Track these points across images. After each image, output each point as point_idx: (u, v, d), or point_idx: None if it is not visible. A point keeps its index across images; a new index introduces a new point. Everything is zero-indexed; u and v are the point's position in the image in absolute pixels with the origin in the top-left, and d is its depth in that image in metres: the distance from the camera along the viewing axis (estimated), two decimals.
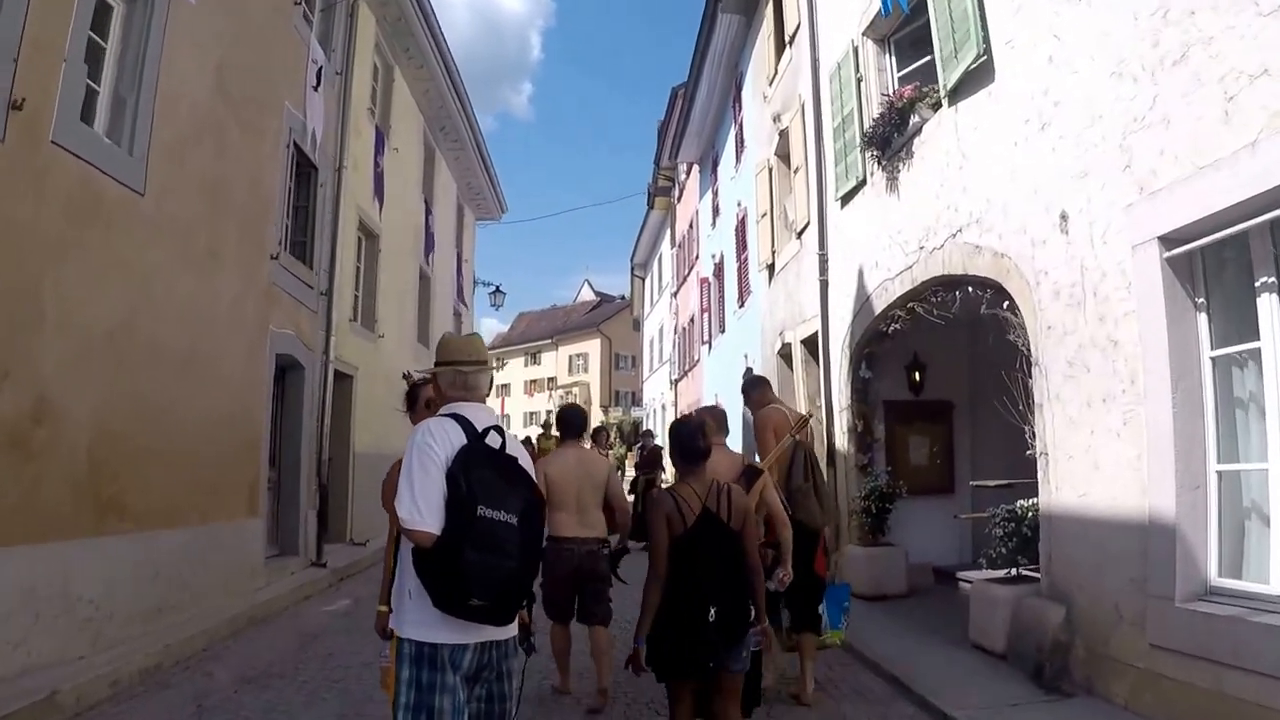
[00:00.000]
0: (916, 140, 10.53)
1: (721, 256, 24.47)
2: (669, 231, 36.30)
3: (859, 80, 12.11)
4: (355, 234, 17.00)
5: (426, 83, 21.20)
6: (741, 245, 21.24)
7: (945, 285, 10.00)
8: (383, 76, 19.28)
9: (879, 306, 11.61)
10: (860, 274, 12.27)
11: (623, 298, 68.29)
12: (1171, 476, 6.28)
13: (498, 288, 29.32)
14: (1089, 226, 7.31)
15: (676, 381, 34.44)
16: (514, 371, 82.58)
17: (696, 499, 4.67)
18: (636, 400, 58.00)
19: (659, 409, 41.67)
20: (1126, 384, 6.85)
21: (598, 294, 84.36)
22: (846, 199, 12.75)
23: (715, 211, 25.64)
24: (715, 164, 25.67)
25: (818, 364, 14.33)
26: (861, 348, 12.41)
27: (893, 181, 11.16)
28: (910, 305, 10.85)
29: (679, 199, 33.64)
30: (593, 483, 7.06)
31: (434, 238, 22.29)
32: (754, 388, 8.41)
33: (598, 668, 7.02)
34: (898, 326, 11.31)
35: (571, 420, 7.50)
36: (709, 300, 26.50)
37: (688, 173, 31.12)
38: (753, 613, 4.70)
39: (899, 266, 10.98)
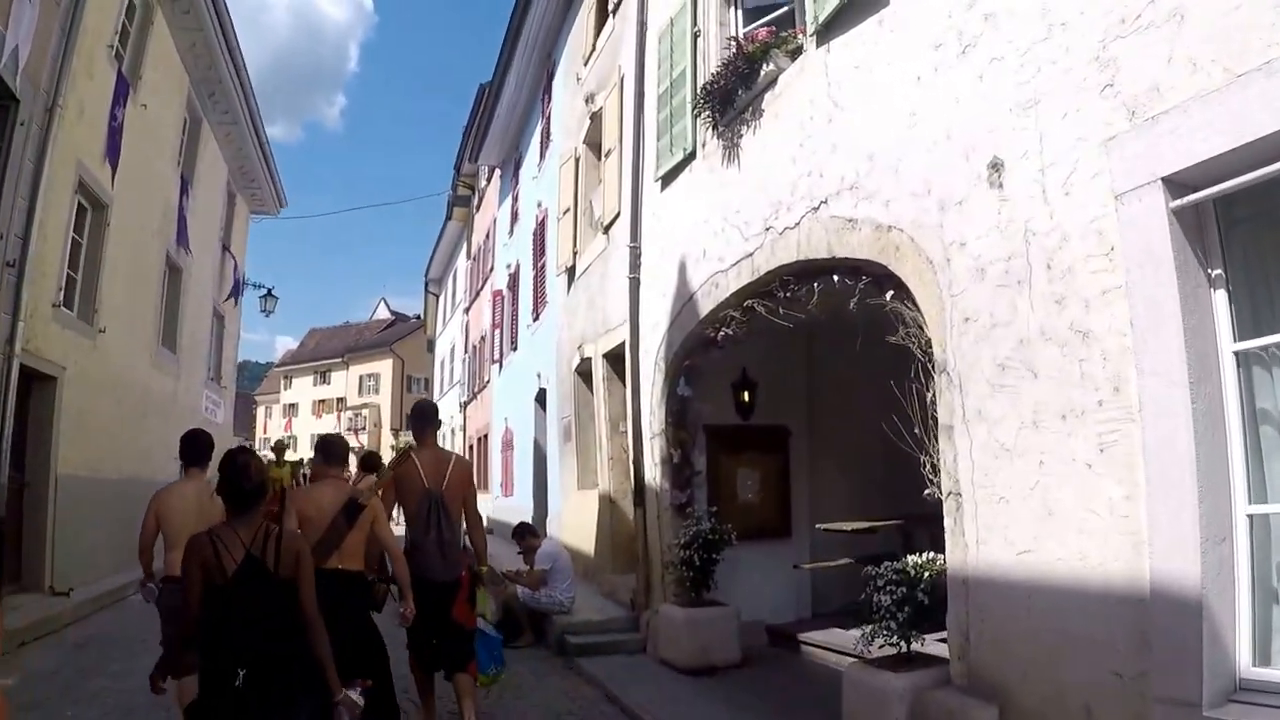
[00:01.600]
0: (769, 95, 8.06)
1: (517, 266, 21.71)
2: (466, 244, 33.32)
3: (696, 35, 9.59)
4: (72, 197, 13.25)
5: (194, 34, 17.40)
6: (539, 250, 18.55)
7: (801, 275, 7.50)
8: (139, 15, 15.49)
9: (706, 307, 9.08)
10: (683, 268, 9.70)
11: (418, 317, 65.04)
12: (1193, 525, 4.03)
13: (269, 291, 25.53)
14: (1039, 175, 4.99)
15: (465, 404, 31.36)
16: (302, 390, 77.53)
17: (240, 544, 3.95)
18: None
19: (449, 433, 38.41)
20: (1106, 393, 4.52)
21: (393, 313, 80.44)
22: (669, 178, 10.17)
23: (514, 218, 22.88)
24: (518, 166, 22.95)
25: (623, 382, 11.76)
26: (681, 359, 9.83)
27: (732, 150, 8.65)
28: (749, 304, 8.35)
29: (478, 208, 30.76)
30: (208, 519, 5.41)
31: (187, 222, 18.65)
32: (423, 425, 6.98)
33: None
34: (730, 332, 8.81)
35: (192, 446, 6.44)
36: (502, 315, 23.66)
37: (489, 179, 28.31)
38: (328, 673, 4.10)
39: (735, 255, 8.48)
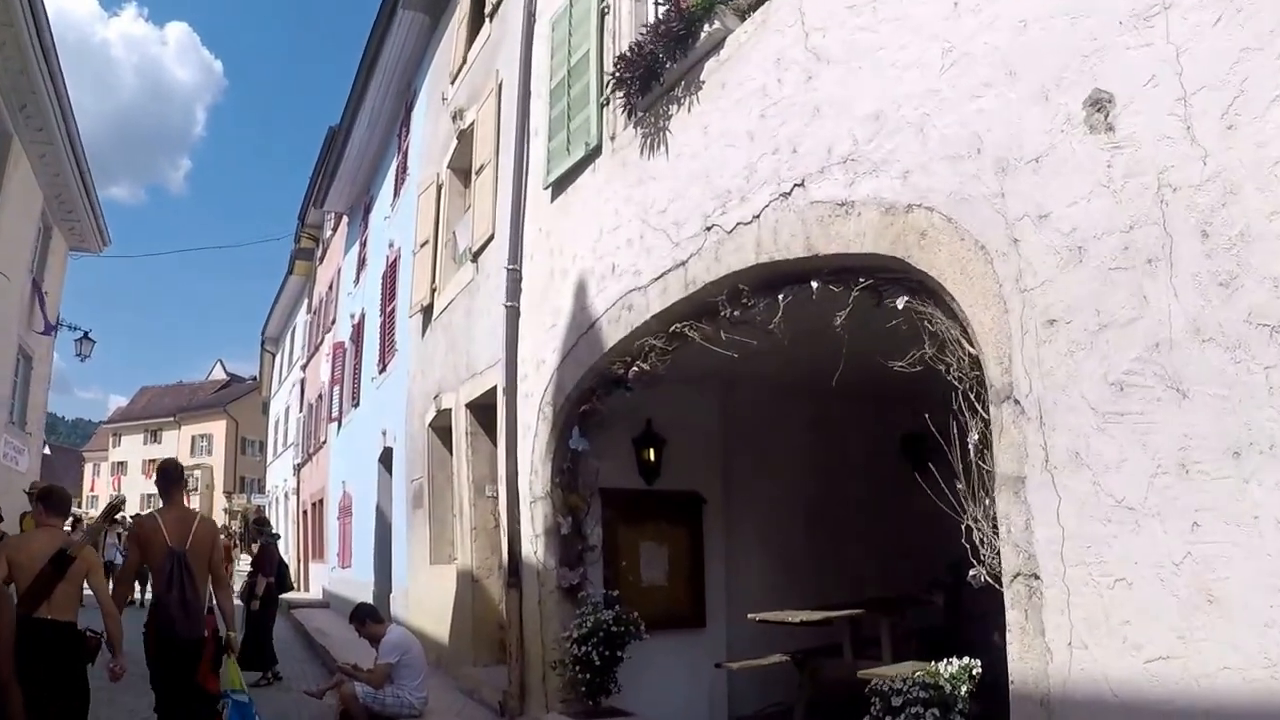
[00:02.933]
0: (711, 62, 6.15)
1: (362, 315, 19.32)
2: (307, 299, 30.52)
3: (604, 12, 7.66)
4: None
5: (2, 31, 14.67)
6: (389, 294, 16.22)
7: (761, 284, 5.55)
8: None
9: (614, 336, 7.10)
10: (580, 291, 7.69)
11: (254, 378, 61.26)
12: None
13: (86, 334, 22.33)
14: (1179, 106, 3.30)
15: (300, 466, 28.34)
16: (132, 449, 72.23)
17: None
18: (261, 487, 50.51)
19: (281, 497, 35.12)
20: None
21: (229, 374, 75.91)
22: (564, 183, 8.16)
23: (361, 264, 20.55)
24: (367, 210, 20.66)
25: (492, 437, 9.79)
26: (575, 404, 7.76)
27: (656, 136, 6.69)
28: (678, 328, 6.40)
29: (321, 259, 28.15)
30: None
31: None
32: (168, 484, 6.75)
33: None
34: (645, 367, 6.87)
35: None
36: (343, 369, 21.09)
37: (334, 228, 25.81)
38: None
39: (659, 266, 6.53)
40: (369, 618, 8.60)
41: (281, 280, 34.11)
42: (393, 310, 15.82)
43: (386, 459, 15.78)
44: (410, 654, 8.41)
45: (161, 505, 6.60)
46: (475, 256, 10.54)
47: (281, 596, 12.82)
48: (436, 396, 11.67)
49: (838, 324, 4.85)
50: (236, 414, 65.08)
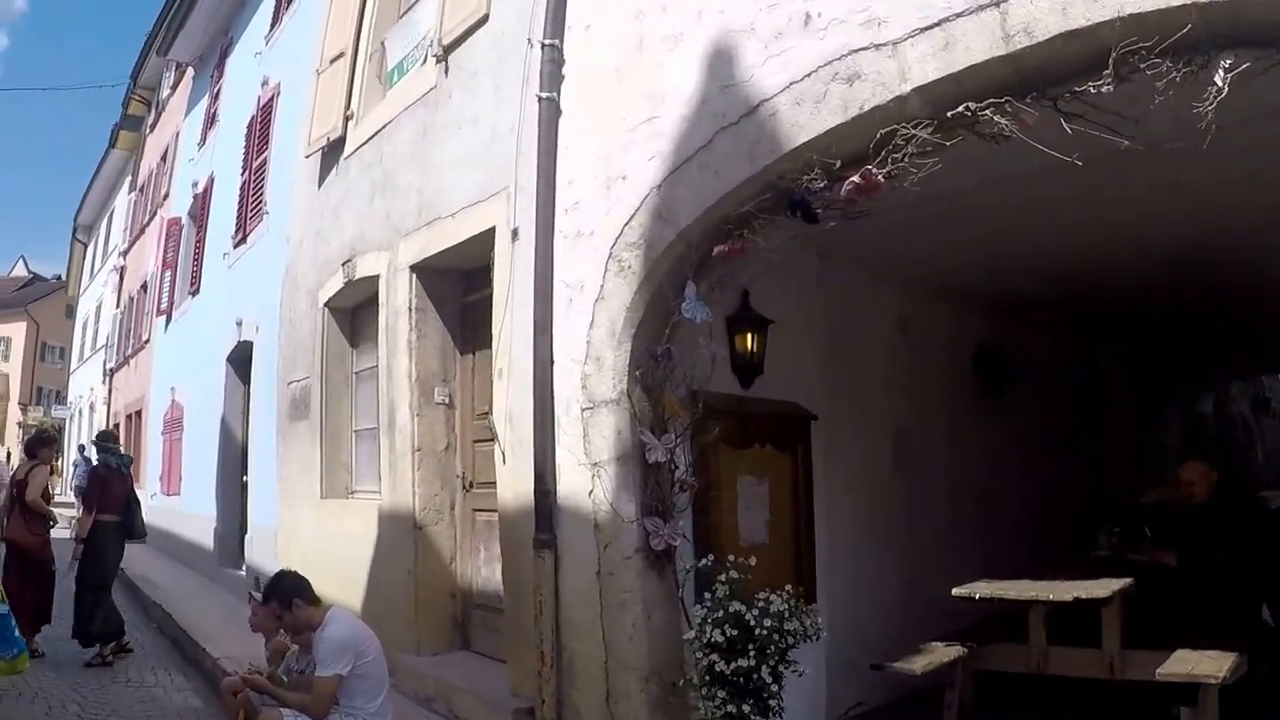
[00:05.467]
0: None
1: (210, 181, 14.85)
2: (132, 175, 25.34)
3: None
4: None
5: None
6: (259, 144, 11.95)
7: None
8: None
9: (811, 126, 3.90)
10: (723, 59, 4.29)
11: (59, 277, 54.10)
12: None
13: None
14: None
15: (114, 371, 23.29)
16: None
17: None
18: (61, 399, 44.31)
19: (86, 409, 29.80)
20: None
21: (31, 273, 67.65)
22: None
23: (210, 121, 16.00)
24: (224, 56, 16.10)
25: (445, 316, 6.69)
26: (701, 244, 4.43)
27: None
28: (971, 110, 3.39)
29: (153, 127, 23.00)
30: None
31: None
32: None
33: None
34: (878, 176, 3.62)
35: None
36: (177, 250, 16.50)
37: (174, 85, 20.92)
38: None
39: (930, 8, 3.35)
40: (297, 596, 4.86)
41: (101, 156, 28.58)
42: (263, 164, 11.61)
43: (241, 357, 11.63)
44: (367, 659, 4.75)
45: None
46: (445, 54, 6.75)
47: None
48: (348, 262, 7.75)
49: None
50: (38, 315, 56.83)
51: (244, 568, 10.85)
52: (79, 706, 6.52)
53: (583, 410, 4.77)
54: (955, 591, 5.41)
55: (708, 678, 4.07)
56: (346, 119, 8.47)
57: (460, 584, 6.64)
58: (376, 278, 7.22)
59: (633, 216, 4.65)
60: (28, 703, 6.43)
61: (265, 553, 9.64)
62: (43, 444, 8.78)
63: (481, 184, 5.93)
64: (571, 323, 4.90)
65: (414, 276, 6.66)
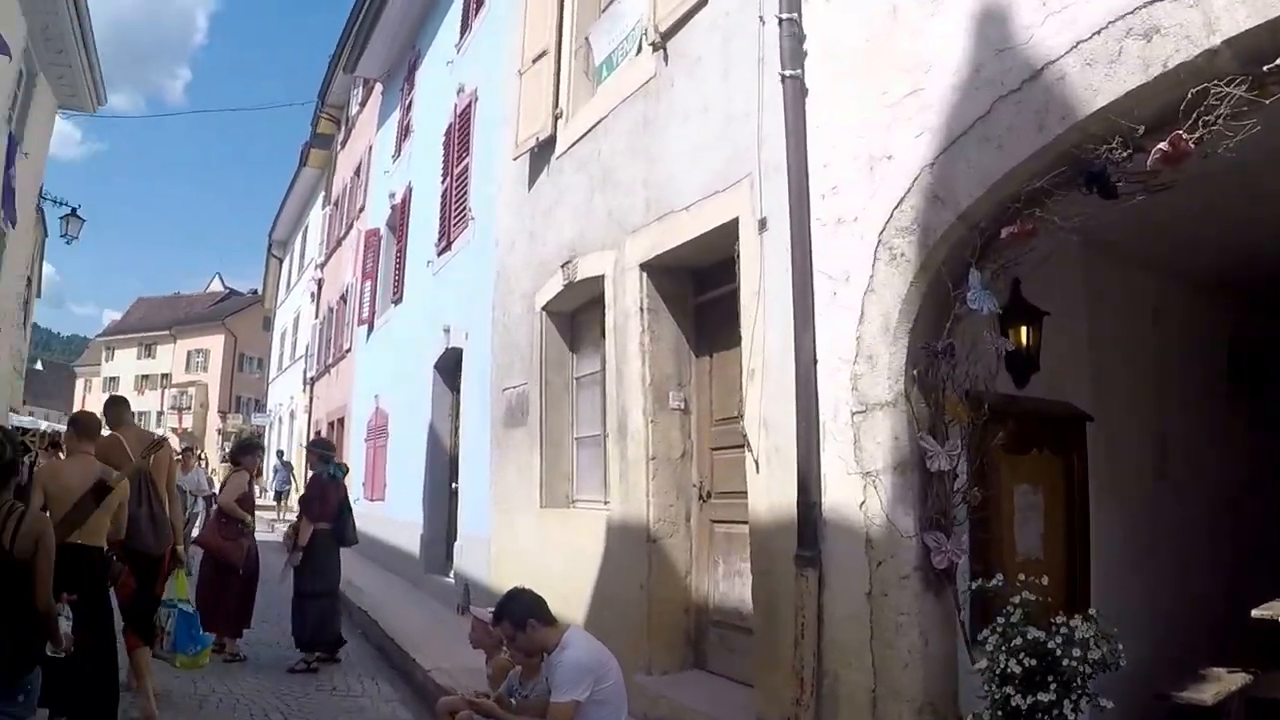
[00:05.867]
0: None
1: (408, 191, 15.21)
2: (325, 190, 26.26)
3: None
4: None
5: None
6: (459, 151, 12.05)
7: None
8: None
9: (1107, 90, 3.44)
10: (993, 20, 3.85)
11: (254, 292, 56.97)
12: None
13: (74, 210, 18.38)
14: None
15: (314, 380, 24.22)
16: (125, 364, 67.53)
17: None
18: (260, 407, 46.30)
19: (286, 416, 31.03)
20: None
21: (228, 288, 71.46)
22: None
23: (404, 133, 16.42)
24: (413, 68, 16.48)
25: (679, 317, 6.37)
26: (984, 227, 4.02)
27: None
28: None
29: (343, 144, 23.89)
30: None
31: None
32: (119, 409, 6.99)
33: None
34: (1188, 142, 3.15)
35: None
36: (376, 261, 17.03)
37: (363, 102, 21.58)
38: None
39: None
40: (531, 617, 4.62)
41: (292, 175, 29.82)
42: (464, 170, 11.69)
43: (449, 364, 11.76)
44: (606, 684, 4.50)
45: (113, 430, 6.55)
46: (663, 40, 6.47)
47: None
48: (567, 264, 7.59)
49: None
50: (235, 328, 60.62)
51: (451, 575, 10.91)
52: (282, 715, 6.54)
53: (853, 414, 4.40)
54: (1255, 613, 4.89)
55: (1000, 713, 3.66)
56: (555, 118, 8.35)
57: (695, 600, 6.36)
58: (600, 278, 7.02)
59: (903, 199, 4.27)
60: (229, 709, 6.46)
61: (476, 561, 9.62)
62: (246, 451, 8.97)
63: (717, 173, 5.64)
64: (836, 318, 4.55)
65: (644, 275, 6.42)
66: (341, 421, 19.71)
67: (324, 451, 8.82)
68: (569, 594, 6.92)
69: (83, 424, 6.00)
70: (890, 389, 4.25)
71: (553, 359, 8.15)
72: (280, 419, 32.49)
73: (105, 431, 6.37)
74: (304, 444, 23.59)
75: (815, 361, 4.58)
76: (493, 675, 5.29)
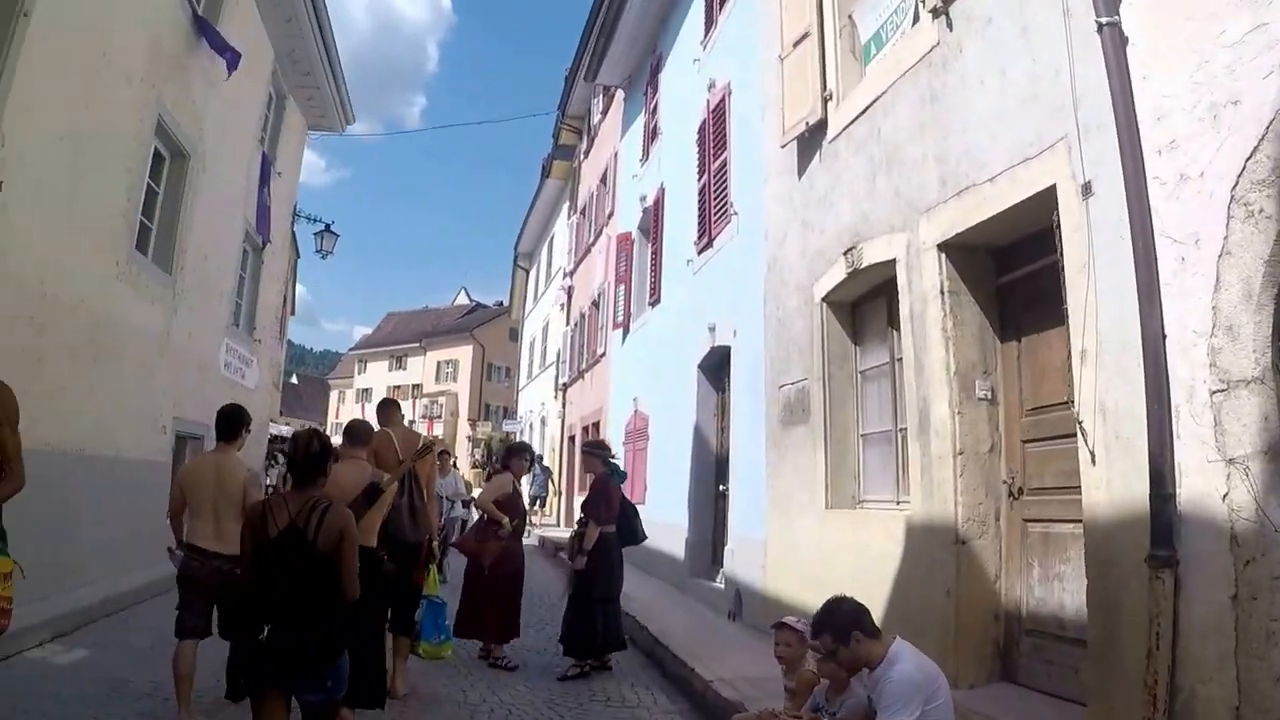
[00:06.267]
0: None
1: (660, 192, 15.34)
2: (569, 200, 26.89)
3: None
4: None
5: None
6: (716, 145, 12.01)
7: None
8: None
9: None
10: None
11: (500, 304, 59.79)
12: None
13: (328, 226, 19.55)
14: None
15: (566, 386, 24.84)
16: (377, 375, 71.54)
17: (286, 513, 4.07)
18: (510, 414, 47.87)
19: (537, 423, 31.92)
20: None
21: (474, 301, 74.52)
22: None
23: (651, 136, 16.64)
24: (655, 71, 16.71)
25: (980, 299, 5.95)
26: None
27: None
28: None
29: (586, 153, 24.50)
30: (225, 493, 5.88)
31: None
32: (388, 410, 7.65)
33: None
34: None
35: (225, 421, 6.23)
36: (629, 265, 17.26)
37: (604, 111, 22.00)
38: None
39: None
40: (856, 628, 4.34)
41: (535, 188, 30.74)
42: (722, 165, 11.59)
43: (715, 363, 11.69)
44: (936, 703, 4.16)
45: (382, 426, 7.27)
46: (945, 5, 6.11)
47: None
48: (850, 250, 7.32)
49: None
50: (483, 339, 62.85)
51: (719, 579, 10.78)
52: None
53: (1212, 394, 3.96)
54: None
55: None
56: (824, 100, 8.15)
57: (1005, 606, 5.94)
58: (889, 263, 6.74)
59: (1256, 149, 3.85)
60: (501, 719, 6.39)
61: (749, 565, 9.44)
62: (514, 454, 8.87)
63: (1024, 140, 5.28)
64: (1185, 287, 4.13)
65: (942, 256, 6.07)
66: (597, 425, 20.04)
67: (604, 453, 8.65)
68: (860, 599, 6.60)
69: (354, 432, 6.48)
70: (1256, 363, 3.79)
71: (835, 352, 7.89)
72: (531, 425, 33.46)
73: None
74: (563, 449, 24.17)
75: (1164, 337, 4.15)
76: (795, 690, 5.03)
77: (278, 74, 16.29)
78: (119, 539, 9.91)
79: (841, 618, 4.36)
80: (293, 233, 20.46)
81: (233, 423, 6.23)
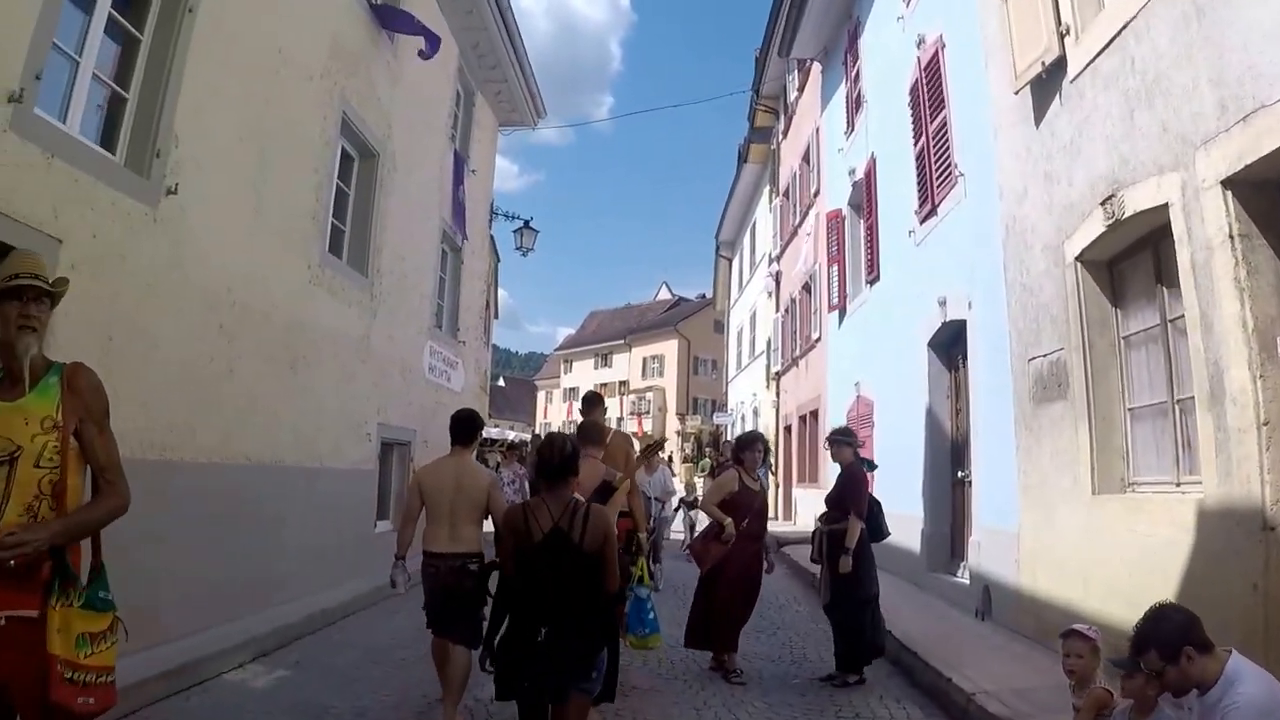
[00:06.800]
0: None
1: (872, 162, 14.58)
2: (770, 184, 26.28)
3: None
4: None
5: None
6: (933, 104, 11.20)
7: None
8: None
9: None
10: None
11: (702, 296, 59.99)
12: None
13: (527, 223, 19.69)
14: None
15: (779, 375, 24.26)
16: (582, 374, 72.94)
17: (549, 516, 4.26)
18: (719, 407, 47.50)
19: (749, 414, 31.40)
20: None
21: (676, 296, 74.82)
22: None
23: (855, 106, 15.91)
24: (854, 36, 15.97)
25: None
26: None
27: None
28: None
29: (785, 133, 23.85)
30: (467, 497, 6.13)
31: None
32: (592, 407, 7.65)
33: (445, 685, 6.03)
34: None
35: (461, 425, 6.52)
36: (842, 243, 16.56)
37: (800, 87, 21.36)
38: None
39: None
40: (1186, 643, 3.60)
41: (734, 175, 30.28)
42: (941, 125, 10.80)
43: (947, 339, 10.94)
44: None
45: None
46: None
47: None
48: (1109, 199, 6.50)
49: None
50: (687, 333, 63.10)
51: (963, 574, 10.06)
52: None
53: None
54: None
55: None
56: (1060, 36, 7.33)
57: None
58: (1159, 209, 5.91)
59: None
60: None
61: (1000, 559, 8.71)
62: (744, 447, 8.24)
63: None
64: None
65: (1229, 194, 5.22)
66: (815, 414, 19.43)
67: (854, 441, 8.02)
68: (1131, 596, 5.81)
69: (586, 432, 6.82)
70: None
71: (1094, 317, 7.07)
72: (743, 416, 32.93)
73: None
74: (778, 440, 23.65)
75: None
76: (1083, 709, 4.35)
77: (464, 70, 16.43)
78: (323, 552, 10.03)
79: (1170, 631, 3.65)
80: (491, 236, 20.68)
81: (469, 426, 6.51)
